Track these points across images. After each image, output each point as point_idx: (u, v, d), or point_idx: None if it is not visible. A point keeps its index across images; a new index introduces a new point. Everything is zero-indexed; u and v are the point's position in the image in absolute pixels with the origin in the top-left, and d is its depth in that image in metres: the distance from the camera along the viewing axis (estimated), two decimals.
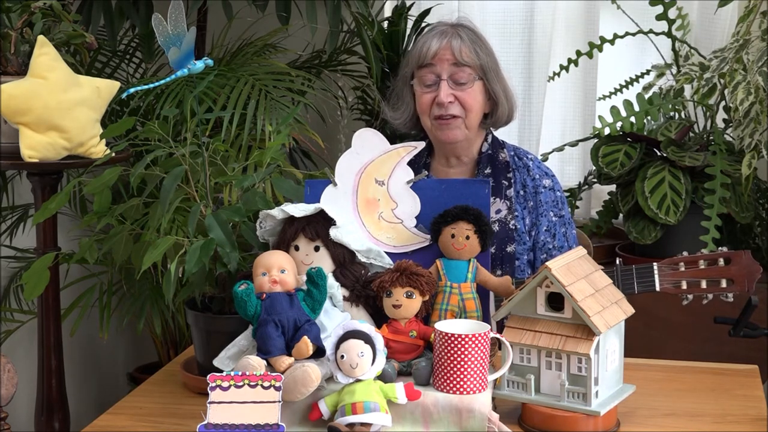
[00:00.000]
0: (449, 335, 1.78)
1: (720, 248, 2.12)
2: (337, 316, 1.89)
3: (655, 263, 2.14)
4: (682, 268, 2.11)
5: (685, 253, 2.13)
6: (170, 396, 2.04)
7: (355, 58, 3.46)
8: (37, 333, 2.61)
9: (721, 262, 2.09)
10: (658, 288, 2.12)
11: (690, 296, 2.12)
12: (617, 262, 2.15)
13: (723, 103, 3.19)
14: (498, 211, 2.44)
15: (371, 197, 2.02)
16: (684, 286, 2.11)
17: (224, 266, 1.95)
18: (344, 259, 1.95)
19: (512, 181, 2.47)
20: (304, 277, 1.87)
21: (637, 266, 2.15)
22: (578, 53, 3.36)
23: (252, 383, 1.71)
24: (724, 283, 2.09)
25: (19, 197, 3.23)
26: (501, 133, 3.35)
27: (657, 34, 3.28)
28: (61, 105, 2.39)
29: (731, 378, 2.13)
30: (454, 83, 2.41)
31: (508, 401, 1.87)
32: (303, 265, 1.92)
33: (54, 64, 2.41)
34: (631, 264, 2.16)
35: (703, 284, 2.10)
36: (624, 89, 3.45)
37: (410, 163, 2.47)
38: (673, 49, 3.28)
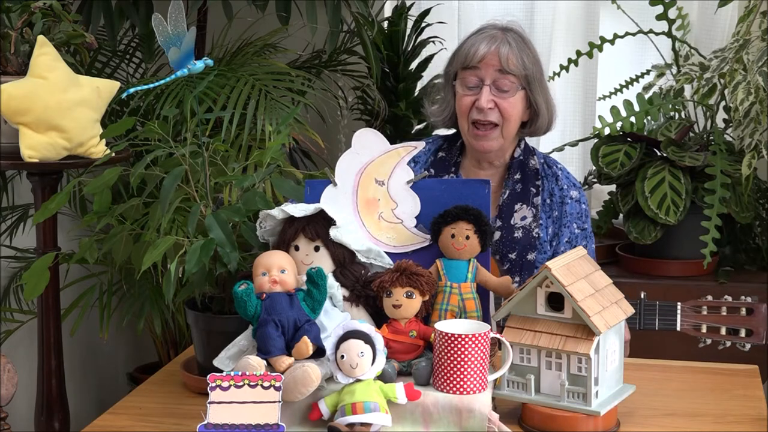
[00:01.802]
0: (449, 335, 1.78)
1: (743, 298, 2.13)
2: (337, 316, 1.89)
3: (678, 303, 2.15)
4: (705, 312, 2.13)
5: (709, 297, 2.15)
6: (170, 396, 2.04)
7: (355, 58, 3.46)
8: (37, 333, 2.61)
9: (743, 311, 2.10)
10: (678, 328, 2.14)
11: (708, 340, 2.13)
12: (641, 296, 2.16)
13: (723, 103, 3.19)
14: (523, 218, 2.42)
15: (371, 197, 2.02)
16: (704, 330, 2.13)
17: (224, 266, 1.95)
18: (344, 259, 1.95)
19: (540, 189, 2.45)
20: (304, 277, 1.87)
21: (660, 303, 2.15)
22: (578, 53, 3.36)
23: (252, 383, 1.71)
24: (743, 333, 2.10)
25: (19, 197, 3.23)
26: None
27: (657, 34, 3.28)
28: (61, 105, 2.39)
29: (731, 378, 2.13)
30: (497, 90, 2.38)
31: (508, 401, 1.87)
32: (303, 265, 1.92)
33: (54, 64, 2.41)
34: (656, 301, 2.17)
35: (723, 331, 2.12)
36: (624, 89, 3.45)
37: (443, 159, 2.47)
38: (673, 49, 3.28)
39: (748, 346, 2.12)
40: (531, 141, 3.52)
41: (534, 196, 2.43)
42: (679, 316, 2.14)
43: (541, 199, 2.44)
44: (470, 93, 2.40)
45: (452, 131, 2.54)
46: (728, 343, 2.12)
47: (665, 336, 3.07)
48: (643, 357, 2.24)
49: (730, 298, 2.13)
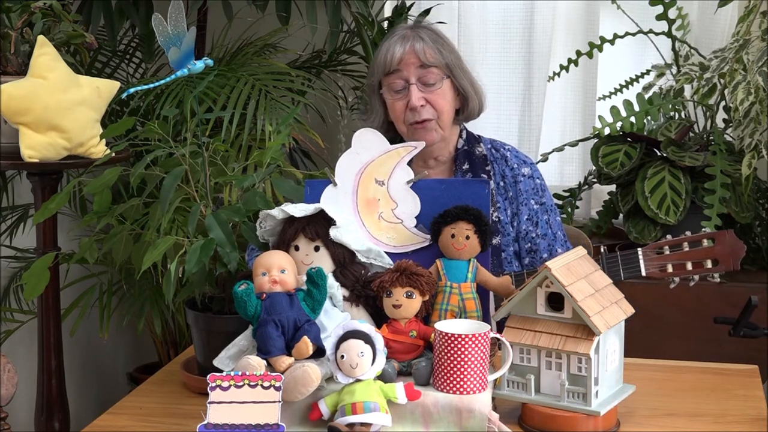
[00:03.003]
0: (449, 335, 1.78)
1: (704, 230, 2.13)
2: (337, 316, 1.89)
3: (639, 248, 2.15)
4: (667, 252, 2.12)
5: (668, 236, 2.14)
6: (170, 396, 2.04)
7: (355, 58, 3.46)
8: (37, 333, 2.61)
9: (705, 242, 2.10)
10: (644, 272, 2.14)
11: (677, 279, 2.13)
12: (602, 250, 2.17)
13: (723, 103, 3.19)
14: None
15: (371, 197, 2.02)
16: (669, 269, 2.12)
17: (224, 266, 1.95)
18: (344, 259, 1.95)
19: (491, 173, 2.48)
20: (304, 277, 1.87)
21: (621, 253, 2.16)
22: (578, 53, 3.36)
23: (252, 383, 1.71)
24: (709, 264, 2.10)
25: (19, 197, 3.23)
26: (502, 135, 3.35)
27: (657, 34, 3.28)
28: (61, 105, 2.39)
29: (731, 378, 2.13)
30: (423, 85, 2.41)
31: (508, 401, 1.87)
32: (303, 265, 1.92)
33: (54, 64, 2.41)
34: (615, 252, 2.17)
35: (689, 266, 2.11)
36: (624, 89, 3.45)
37: None
38: (673, 49, 3.28)
39: (717, 276, 2.10)
40: (531, 140, 3.56)
41: None
42: (642, 261, 2.13)
43: (495, 183, 2.47)
44: (399, 96, 2.43)
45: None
46: (696, 278, 2.11)
47: (665, 336, 3.07)
48: (643, 357, 2.24)
49: (689, 233, 2.13)
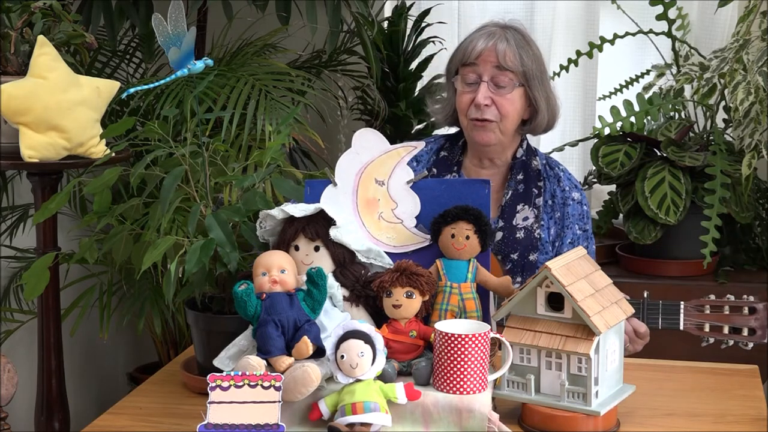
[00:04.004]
0: (449, 335, 1.78)
1: (745, 297, 2.13)
2: (337, 316, 1.89)
3: (682, 302, 2.16)
4: (707, 311, 2.13)
5: (712, 296, 2.15)
6: (170, 396, 2.04)
7: (355, 58, 3.46)
8: (37, 333, 2.61)
9: (746, 310, 2.11)
10: (681, 327, 2.15)
11: (711, 339, 2.14)
12: (645, 295, 2.16)
13: (723, 103, 3.19)
14: (525, 219, 2.41)
15: (371, 197, 2.02)
16: (707, 329, 2.13)
17: (224, 266, 1.95)
18: (344, 259, 1.95)
19: (542, 190, 2.45)
20: (304, 277, 1.87)
21: (664, 302, 2.16)
22: (578, 53, 3.36)
23: (252, 383, 1.71)
24: (745, 332, 2.11)
25: (19, 197, 3.23)
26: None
27: (657, 34, 3.28)
28: (61, 105, 2.39)
29: (731, 378, 2.13)
30: (495, 86, 2.38)
31: (508, 401, 1.87)
32: (303, 265, 1.92)
33: (54, 64, 2.41)
34: (659, 300, 2.18)
35: (726, 330, 2.12)
36: (624, 89, 3.45)
37: (445, 159, 2.47)
38: (673, 49, 3.28)
39: (750, 345, 2.12)
40: (531, 140, 3.55)
41: (536, 197, 2.43)
42: (682, 315, 2.14)
43: (543, 200, 2.44)
44: (469, 90, 2.41)
45: (454, 130, 2.54)
46: (731, 342, 2.13)
47: (666, 335, 3.07)
48: (643, 357, 2.24)
49: (732, 298, 2.13)
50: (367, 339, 1.75)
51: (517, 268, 2.38)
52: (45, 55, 2.40)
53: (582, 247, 2.00)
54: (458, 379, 1.78)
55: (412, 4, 3.48)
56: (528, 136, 2.50)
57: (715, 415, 1.93)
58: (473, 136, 2.41)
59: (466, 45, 2.43)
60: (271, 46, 3.34)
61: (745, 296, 2.13)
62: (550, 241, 2.43)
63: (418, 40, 3.46)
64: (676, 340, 3.03)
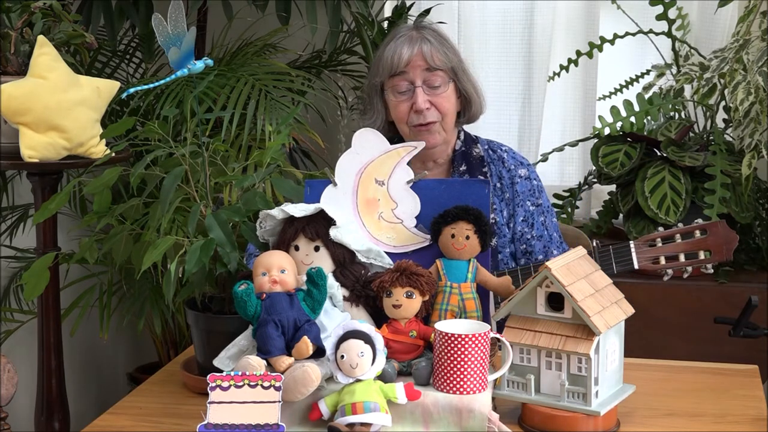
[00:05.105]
0: (449, 335, 1.78)
1: (696, 221, 2.12)
2: (337, 316, 1.89)
3: (631, 241, 2.15)
4: (659, 244, 2.11)
5: (660, 228, 2.14)
6: (170, 396, 2.04)
7: (355, 58, 3.46)
8: (37, 333, 2.61)
9: (698, 234, 2.09)
10: (636, 266, 2.13)
11: (670, 271, 2.12)
12: (593, 244, 2.16)
13: (723, 103, 3.19)
14: None
15: (371, 197, 2.02)
16: (662, 261, 2.11)
17: (224, 266, 1.95)
18: (344, 259, 1.95)
19: (488, 174, 2.48)
20: (304, 277, 1.87)
21: (614, 246, 2.15)
22: (578, 53, 3.36)
23: (252, 383, 1.71)
24: (702, 255, 2.09)
25: (19, 197, 3.23)
26: (502, 135, 3.34)
27: (657, 34, 3.28)
28: (61, 105, 2.39)
29: (731, 378, 2.13)
30: (429, 87, 2.42)
31: (508, 401, 1.87)
32: (303, 265, 1.92)
33: (54, 64, 2.41)
34: (608, 245, 2.16)
35: (682, 258, 2.10)
36: (624, 89, 3.45)
37: None
38: (673, 49, 3.28)
39: (710, 267, 2.10)
40: (531, 140, 3.56)
41: None
42: (634, 254, 2.12)
43: (491, 185, 2.46)
44: (404, 98, 2.43)
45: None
46: (690, 269, 2.10)
47: (665, 336, 3.07)
48: (643, 357, 2.24)
49: (681, 225, 2.12)
50: (367, 339, 1.75)
51: None
52: (45, 55, 2.40)
53: (581, 247, 2.00)
54: (458, 379, 1.78)
55: (412, 4, 3.48)
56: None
57: (715, 415, 1.92)
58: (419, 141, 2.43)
59: (389, 56, 2.44)
60: (271, 46, 3.34)
61: (696, 221, 2.11)
62: (504, 223, 2.47)
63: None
64: (676, 339, 3.04)
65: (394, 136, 2.50)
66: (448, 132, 2.46)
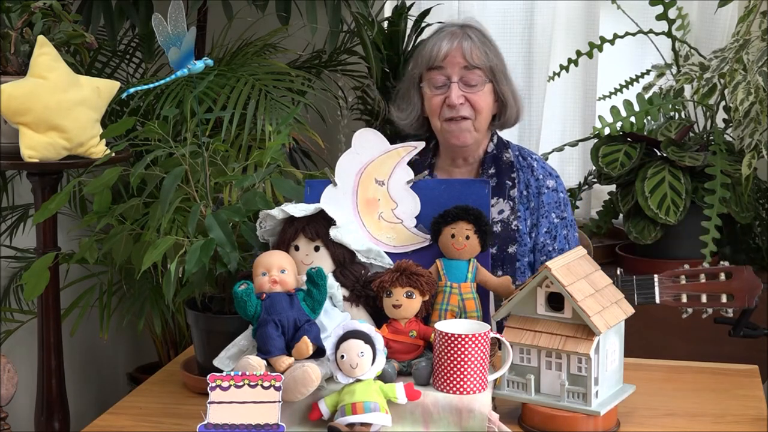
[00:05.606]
0: (449, 335, 1.78)
1: (722, 263, 2.12)
2: (337, 316, 1.89)
3: (656, 275, 2.14)
4: (683, 281, 2.11)
5: (686, 266, 2.13)
6: (170, 396, 2.05)
7: (355, 58, 3.46)
8: (37, 333, 2.61)
9: (722, 276, 2.09)
10: (658, 300, 2.13)
11: (690, 310, 2.12)
12: (618, 272, 2.15)
13: (723, 103, 3.19)
14: (501, 212, 2.43)
15: (371, 197, 2.02)
16: (684, 299, 2.11)
17: (224, 266, 1.95)
18: (344, 259, 1.95)
19: (516, 181, 2.47)
20: (304, 277, 1.87)
21: (637, 277, 2.14)
22: (578, 53, 3.36)
23: (252, 383, 1.71)
24: (724, 298, 2.09)
25: (19, 197, 3.23)
26: (502, 134, 3.34)
27: (657, 34, 3.28)
28: (61, 105, 2.39)
29: (731, 378, 2.13)
30: (465, 85, 2.41)
31: (508, 401, 1.87)
32: (303, 265, 1.92)
33: (54, 64, 2.40)
34: (632, 274, 2.16)
35: (703, 298, 2.10)
36: (624, 89, 3.45)
37: (415, 161, 2.49)
38: (673, 49, 3.28)
39: (731, 311, 2.10)
40: (531, 140, 3.56)
41: (510, 189, 2.45)
42: (657, 288, 2.12)
43: (518, 191, 2.46)
44: (439, 92, 2.43)
45: (419, 136, 2.55)
46: (710, 311, 2.10)
47: (665, 336, 3.07)
48: (643, 357, 2.24)
49: (707, 266, 2.12)
50: (367, 339, 1.75)
51: (497, 262, 2.40)
52: (45, 55, 2.40)
53: (581, 247, 2.00)
54: (458, 379, 1.78)
55: (412, 4, 3.48)
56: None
57: (715, 415, 1.92)
58: (449, 139, 2.43)
59: (429, 49, 2.44)
60: (271, 46, 3.34)
61: (722, 263, 2.11)
62: (527, 232, 2.45)
63: (418, 40, 3.46)
64: (676, 339, 3.04)
65: (429, 133, 2.49)
66: (480, 132, 2.45)
